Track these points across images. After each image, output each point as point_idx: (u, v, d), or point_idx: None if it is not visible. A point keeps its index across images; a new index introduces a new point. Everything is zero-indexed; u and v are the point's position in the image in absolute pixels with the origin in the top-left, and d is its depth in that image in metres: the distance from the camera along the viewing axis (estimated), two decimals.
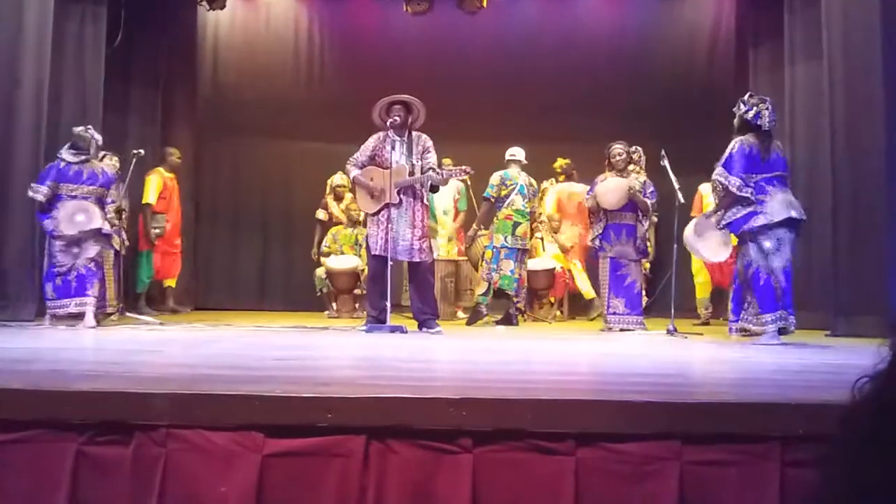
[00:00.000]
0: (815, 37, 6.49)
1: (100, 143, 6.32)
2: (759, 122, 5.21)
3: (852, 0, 6.06)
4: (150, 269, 8.18)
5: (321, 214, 8.79)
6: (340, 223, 8.69)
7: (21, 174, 6.46)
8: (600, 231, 6.60)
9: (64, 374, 3.00)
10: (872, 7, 5.86)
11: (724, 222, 5.27)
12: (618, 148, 6.65)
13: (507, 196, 7.15)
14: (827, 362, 4.02)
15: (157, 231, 8.17)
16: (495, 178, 7.24)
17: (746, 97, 5.40)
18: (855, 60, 6.02)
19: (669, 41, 9.56)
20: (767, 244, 5.08)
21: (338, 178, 8.67)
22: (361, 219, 7.86)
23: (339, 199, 8.77)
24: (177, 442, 2.33)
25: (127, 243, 6.90)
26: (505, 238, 7.13)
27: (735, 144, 5.22)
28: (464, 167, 6.27)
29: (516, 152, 7.41)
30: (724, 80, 9.07)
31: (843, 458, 1.10)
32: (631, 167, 6.62)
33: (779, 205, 5.08)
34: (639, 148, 6.71)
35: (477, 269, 7.54)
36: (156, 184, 8.18)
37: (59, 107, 7.08)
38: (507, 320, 7.13)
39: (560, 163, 8.90)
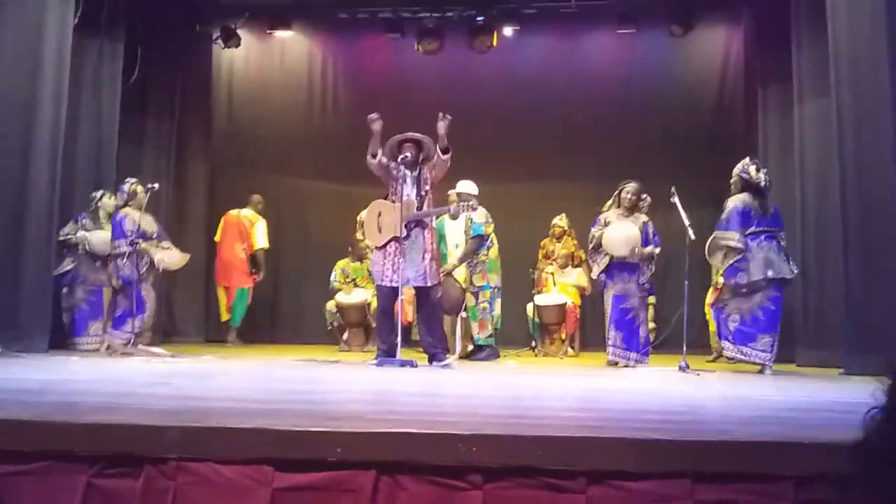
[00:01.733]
0: (824, 74, 6.53)
1: (124, 193, 7.07)
2: (756, 182, 6.01)
3: (859, 36, 6.09)
4: (246, 303, 9.00)
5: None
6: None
7: (37, 206, 6.54)
8: (604, 267, 6.62)
9: (75, 405, 3.01)
10: (879, 43, 5.89)
11: (722, 269, 6.16)
12: (631, 187, 6.67)
13: (490, 234, 7.18)
14: (841, 400, 3.98)
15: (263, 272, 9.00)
16: (483, 216, 7.13)
17: (749, 162, 6.13)
18: (863, 96, 6.03)
19: (679, 80, 9.63)
20: (743, 291, 5.94)
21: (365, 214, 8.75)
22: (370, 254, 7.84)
23: None
24: (187, 475, 2.32)
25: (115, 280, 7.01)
26: (498, 278, 7.23)
27: (730, 205, 6.03)
28: (470, 203, 6.31)
29: (474, 188, 7.32)
30: (733, 119, 9.13)
31: (862, 486, 1.11)
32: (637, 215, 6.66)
33: (758, 265, 5.88)
34: (648, 197, 6.74)
35: (450, 313, 7.19)
36: (265, 227, 8.94)
37: (75, 140, 7.23)
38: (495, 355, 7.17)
39: None
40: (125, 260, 6.81)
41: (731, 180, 6.19)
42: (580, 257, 8.45)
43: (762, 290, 5.93)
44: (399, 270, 5.84)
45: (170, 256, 7.10)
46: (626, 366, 6.36)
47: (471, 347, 7.31)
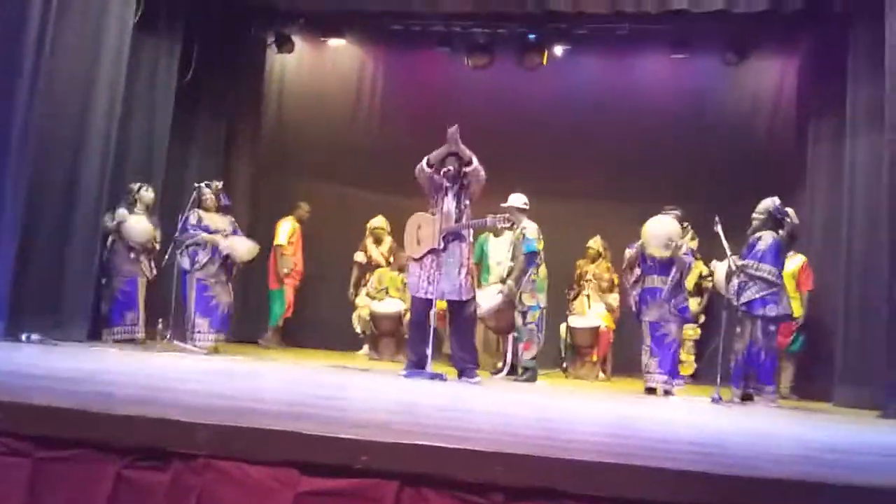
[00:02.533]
0: (879, 108, 6.41)
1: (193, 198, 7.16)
2: (791, 224, 6.24)
3: None
4: (283, 305, 9.13)
5: (359, 256, 9.05)
6: (379, 265, 8.83)
7: (87, 197, 6.69)
8: (637, 297, 6.59)
9: (111, 396, 3.07)
10: None
11: (742, 300, 6.05)
12: (676, 213, 6.67)
13: (540, 251, 6.99)
14: (876, 443, 3.89)
15: (286, 270, 9.06)
16: (535, 232, 6.92)
17: (780, 205, 6.27)
18: None
19: (729, 107, 9.52)
20: (772, 328, 6.08)
21: (376, 221, 8.96)
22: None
23: (377, 241, 8.96)
24: (214, 472, 2.36)
25: (154, 272, 7.23)
26: (545, 298, 7.08)
27: (769, 239, 6.14)
28: (506, 215, 6.30)
29: (522, 202, 7.13)
30: (782, 149, 8.99)
31: None
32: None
33: (786, 301, 6.14)
34: (689, 225, 6.84)
35: (504, 333, 7.14)
36: (288, 228, 9.10)
37: (127, 134, 7.39)
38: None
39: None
40: (182, 251, 6.97)
41: (759, 216, 6.21)
42: (613, 280, 8.42)
43: (775, 325, 6.13)
44: (435, 283, 5.85)
45: (238, 244, 7.21)
46: (665, 391, 6.31)
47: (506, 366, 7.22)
